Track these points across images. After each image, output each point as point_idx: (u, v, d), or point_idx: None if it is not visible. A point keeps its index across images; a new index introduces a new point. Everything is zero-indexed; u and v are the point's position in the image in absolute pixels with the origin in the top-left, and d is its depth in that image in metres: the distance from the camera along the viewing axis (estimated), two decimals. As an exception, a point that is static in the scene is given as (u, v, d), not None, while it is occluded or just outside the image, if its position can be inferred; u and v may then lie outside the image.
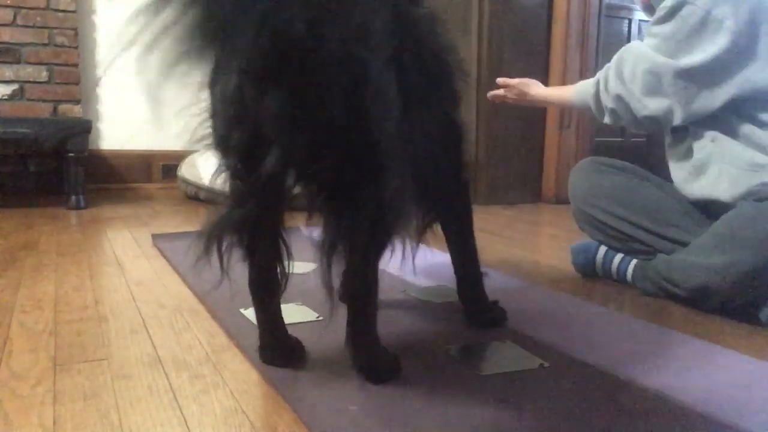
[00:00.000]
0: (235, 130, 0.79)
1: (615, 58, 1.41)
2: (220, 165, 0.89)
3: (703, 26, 1.25)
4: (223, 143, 0.83)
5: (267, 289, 0.92)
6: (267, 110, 0.72)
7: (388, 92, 0.75)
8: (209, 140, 0.87)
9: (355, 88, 0.71)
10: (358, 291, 0.84)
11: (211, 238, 0.88)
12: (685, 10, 1.27)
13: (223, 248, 0.88)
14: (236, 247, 0.88)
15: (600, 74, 1.44)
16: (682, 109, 1.29)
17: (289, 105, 0.71)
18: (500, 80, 1.67)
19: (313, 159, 0.76)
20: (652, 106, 1.32)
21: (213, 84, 0.82)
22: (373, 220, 0.79)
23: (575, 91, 1.53)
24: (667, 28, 1.30)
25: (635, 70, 1.33)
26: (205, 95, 0.84)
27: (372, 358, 0.87)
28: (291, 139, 0.74)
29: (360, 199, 0.78)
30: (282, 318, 0.95)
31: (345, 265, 0.81)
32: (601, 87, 1.42)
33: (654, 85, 1.31)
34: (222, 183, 0.90)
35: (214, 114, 0.84)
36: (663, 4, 1.33)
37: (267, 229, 0.89)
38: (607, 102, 1.40)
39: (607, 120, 1.44)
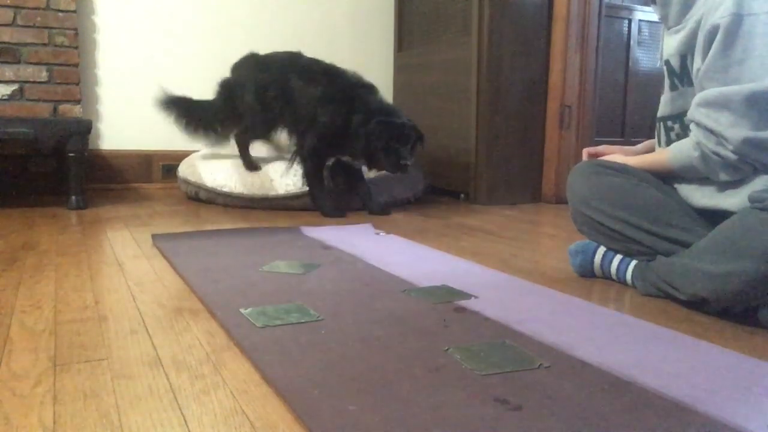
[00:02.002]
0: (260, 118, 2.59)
1: (699, 115, 1.28)
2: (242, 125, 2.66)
3: None
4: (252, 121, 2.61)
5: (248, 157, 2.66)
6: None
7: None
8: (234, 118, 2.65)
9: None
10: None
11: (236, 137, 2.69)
12: (747, 24, 1.19)
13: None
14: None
15: (693, 136, 1.32)
16: None
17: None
18: (588, 150, 1.63)
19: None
20: None
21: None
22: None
23: (671, 157, 1.38)
24: (737, 52, 1.21)
25: (737, 108, 1.22)
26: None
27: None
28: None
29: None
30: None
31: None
32: (711, 147, 1.26)
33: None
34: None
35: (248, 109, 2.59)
36: (709, 28, 1.24)
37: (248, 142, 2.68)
38: (729, 155, 1.24)
39: (726, 176, 1.28)
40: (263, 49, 3.24)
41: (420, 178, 2.87)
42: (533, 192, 2.95)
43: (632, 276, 1.41)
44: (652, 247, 1.36)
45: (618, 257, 1.45)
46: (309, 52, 3.37)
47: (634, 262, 1.41)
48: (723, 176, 1.29)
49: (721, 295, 1.16)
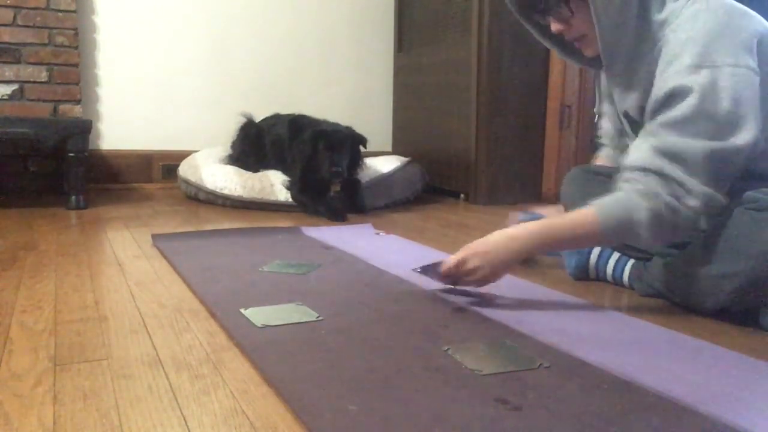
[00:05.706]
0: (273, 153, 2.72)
1: (660, 163, 1.13)
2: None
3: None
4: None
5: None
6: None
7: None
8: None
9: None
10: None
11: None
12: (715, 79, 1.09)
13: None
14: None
15: (644, 185, 1.14)
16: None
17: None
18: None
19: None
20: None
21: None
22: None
23: (601, 213, 1.17)
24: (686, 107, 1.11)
25: (697, 161, 1.11)
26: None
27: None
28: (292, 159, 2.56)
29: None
30: None
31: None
32: (669, 198, 1.12)
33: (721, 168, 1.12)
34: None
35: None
36: (663, 93, 1.14)
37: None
38: (692, 206, 1.12)
39: (668, 236, 1.18)
40: (263, 48, 3.24)
41: (418, 177, 2.87)
42: (533, 192, 2.95)
43: (629, 277, 1.41)
44: (648, 249, 1.37)
45: (614, 258, 1.44)
46: (309, 53, 3.38)
47: (630, 263, 1.41)
48: (667, 235, 1.18)
49: (719, 298, 1.16)
